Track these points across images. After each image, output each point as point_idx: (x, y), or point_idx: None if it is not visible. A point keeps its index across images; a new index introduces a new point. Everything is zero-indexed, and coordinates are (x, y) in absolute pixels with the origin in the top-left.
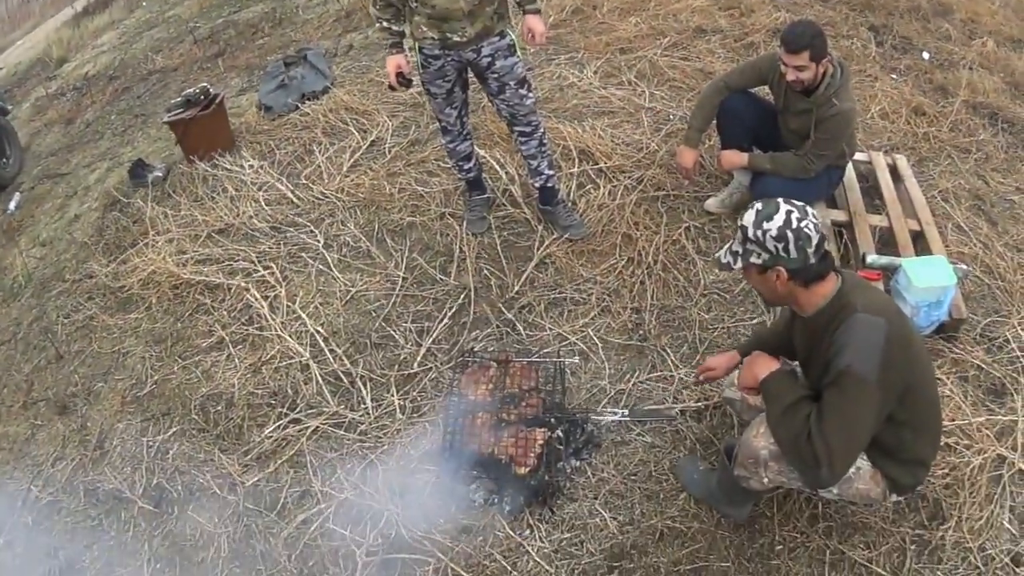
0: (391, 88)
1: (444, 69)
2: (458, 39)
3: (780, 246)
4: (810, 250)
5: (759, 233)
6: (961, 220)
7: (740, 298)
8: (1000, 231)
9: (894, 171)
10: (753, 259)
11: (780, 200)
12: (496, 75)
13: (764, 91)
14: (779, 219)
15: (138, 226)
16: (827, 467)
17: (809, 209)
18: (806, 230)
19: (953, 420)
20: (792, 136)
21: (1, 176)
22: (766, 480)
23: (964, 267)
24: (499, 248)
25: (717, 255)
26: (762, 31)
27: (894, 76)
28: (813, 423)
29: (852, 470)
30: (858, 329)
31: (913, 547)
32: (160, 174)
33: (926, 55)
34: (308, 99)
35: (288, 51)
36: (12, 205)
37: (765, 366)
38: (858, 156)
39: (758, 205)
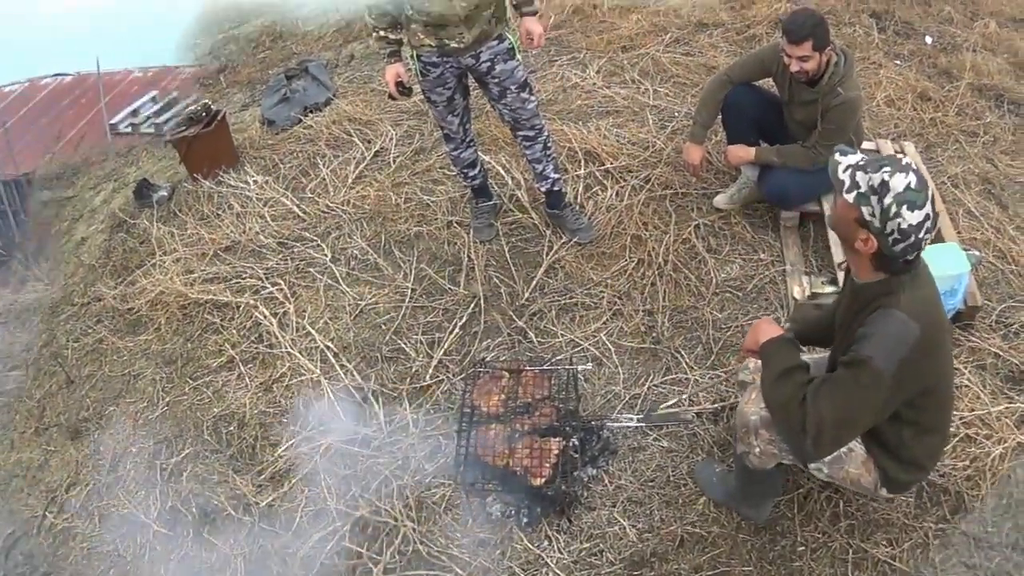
0: (391, 98)
1: (443, 76)
2: (456, 45)
3: (896, 236)
4: (910, 257)
5: (893, 209)
6: (972, 205)
7: (753, 295)
8: (1011, 215)
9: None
10: (864, 211)
11: (930, 193)
12: (496, 80)
13: (768, 83)
14: (918, 216)
15: (145, 247)
16: (812, 439)
17: (938, 221)
18: (924, 240)
19: (972, 410)
20: (798, 127)
21: None
22: (758, 450)
23: (977, 253)
24: (508, 255)
25: (838, 159)
26: (764, 23)
27: (898, 62)
28: (812, 391)
29: (844, 450)
30: (891, 325)
31: (936, 542)
32: (165, 194)
33: (929, 39)
34: (311, 111)
35: (289, 64)
36: None
37: (768, 331)
38: (865, 145)
39: (913, 181)
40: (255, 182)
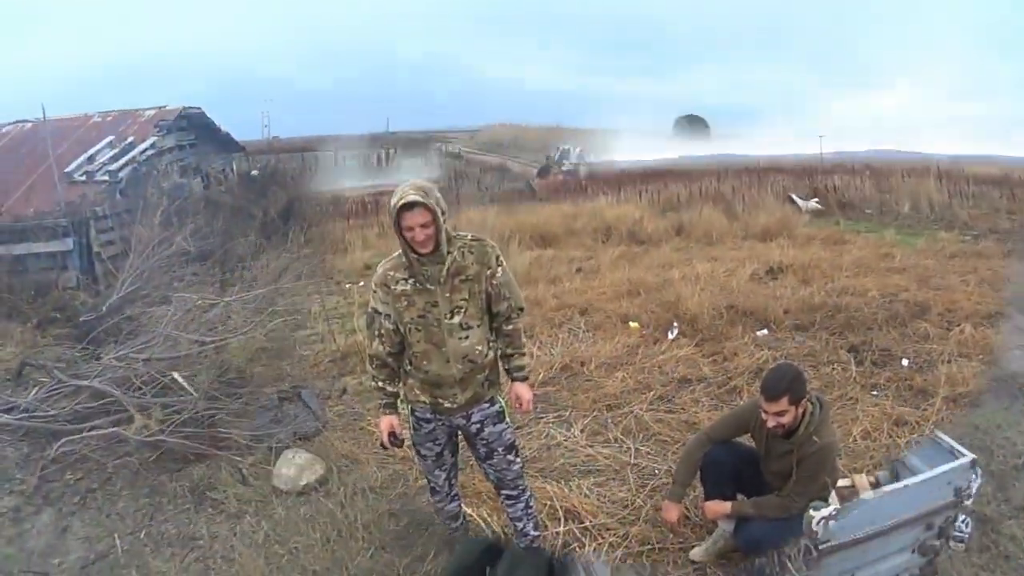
0: (383, 447)
1: (435, 432)
2: (449, 404)
3: None
4: None
5: None
6: None
7: None
8: None
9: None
10: None
11: None
12: (485, 441)
13: (746, 436)
14: None
15: None
16: None
17: None
18: None
19: None
20: (775, 477)
21: None
22: None
23: None
24: None
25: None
26: (745, 373)
27: (874, 393)
28: None
29: None
30: None
31: None
32: None
33: (905, 362)
34: (300, 439)
35: (282, 385)
36: None
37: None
38: (841, 482)
39: None
40: None
